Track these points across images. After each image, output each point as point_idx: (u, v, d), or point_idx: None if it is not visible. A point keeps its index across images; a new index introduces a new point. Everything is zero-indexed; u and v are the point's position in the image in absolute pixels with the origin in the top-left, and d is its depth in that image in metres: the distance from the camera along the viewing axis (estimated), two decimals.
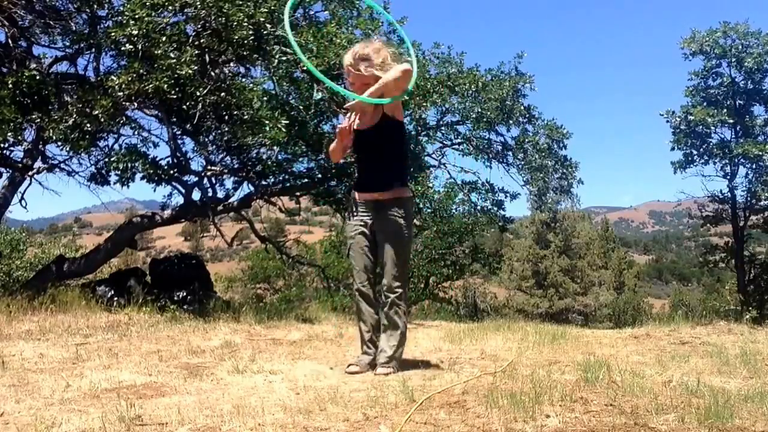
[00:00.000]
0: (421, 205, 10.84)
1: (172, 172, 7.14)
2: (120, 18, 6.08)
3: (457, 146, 9.75)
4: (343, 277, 18.92)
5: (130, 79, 5.93)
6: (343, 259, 19.01)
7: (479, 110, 8.49)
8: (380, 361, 3.27)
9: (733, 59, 9.28)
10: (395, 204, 3.26)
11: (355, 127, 3.29)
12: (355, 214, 3.35)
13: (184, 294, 7.68)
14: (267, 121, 6.05)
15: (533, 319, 18.44)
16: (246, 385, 2.96)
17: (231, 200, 8.28)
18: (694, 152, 9.76)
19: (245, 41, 6.04)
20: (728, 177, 9.71)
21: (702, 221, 10.50)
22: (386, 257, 3.24)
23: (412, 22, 9.07)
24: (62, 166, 7.36)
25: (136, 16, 5.80)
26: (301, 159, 8.25)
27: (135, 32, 5.84)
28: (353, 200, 3.37)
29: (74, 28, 7.03)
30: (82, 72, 7.56)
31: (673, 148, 9.88)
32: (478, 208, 10.91)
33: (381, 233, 3.27)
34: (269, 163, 7.64)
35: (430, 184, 10.89)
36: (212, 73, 6.25)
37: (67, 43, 7.39)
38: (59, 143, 6.38)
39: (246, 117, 6.18)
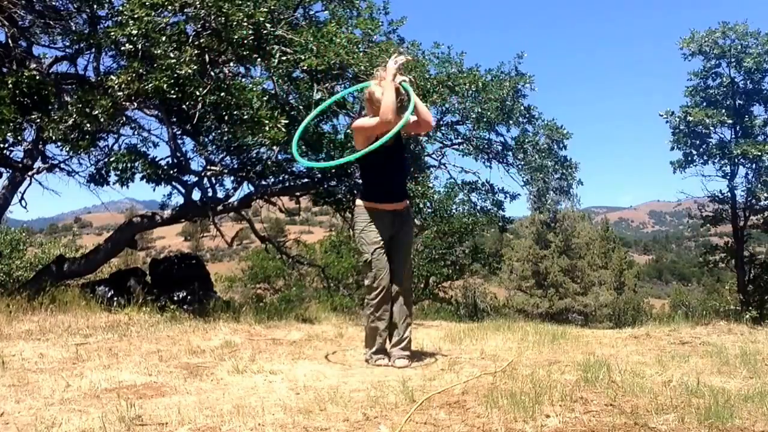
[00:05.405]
0: (421, 205, 10.83)
1: (172, 172, 7.14)
2: (120, 18, 6.08)
3: (457, 146, 9.73)
4: (343, 277, 18.92)
5: (129, 78, 5.92)
6: (343, 258, 19.01)
7: (479, 110, 8.47)
8: (405, 353, 3.59)
9: (733, 59, 9.26)
10: (410, 212, 3.79)
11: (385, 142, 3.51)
12: (376, 223, 3.60)
13: (184, 294, 7.67)
14: (267, 121, 6.03)
15: (533, 319, 18.43)
16: (246, 385, 2.96)
17: (231, 200, 8.27)
18: (694, 152, 9.72)
19: (245, 41, 6.03)
20: (728, 177, 9.68)
21: (702, 221, 10.46)
22: (404, 258, 3.68)
23: (412, 21, 9.08)
24: (62, 166, 7.37)
25: (136, 16, 5.79)
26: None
27: (135, 32, 5.82)
28: (375, 210, 3.61)
29: (74, 28, 7.03)
30: (82, 72, 7.58)
31: (672, 148, 9.84)
32: (478, 208, 10.88)
33: (401, 238, 3.68)
34: (269, 163, 7.63)
35: (430, 184, 10.86)
36: (212, 73, 6.24)
37: (67, 43, 7.39)
38: (59, 143, 6.37)
39: (246, 117, 6.17)
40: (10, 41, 6.73)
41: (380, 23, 7.77)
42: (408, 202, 3.82)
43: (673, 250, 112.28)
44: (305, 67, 6.43)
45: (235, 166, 8.02)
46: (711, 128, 9.40)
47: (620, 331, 5.93)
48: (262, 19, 6.05)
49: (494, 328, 5.24)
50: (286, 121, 6.20)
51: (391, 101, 3.36)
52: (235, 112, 6.29)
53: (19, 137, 6.37)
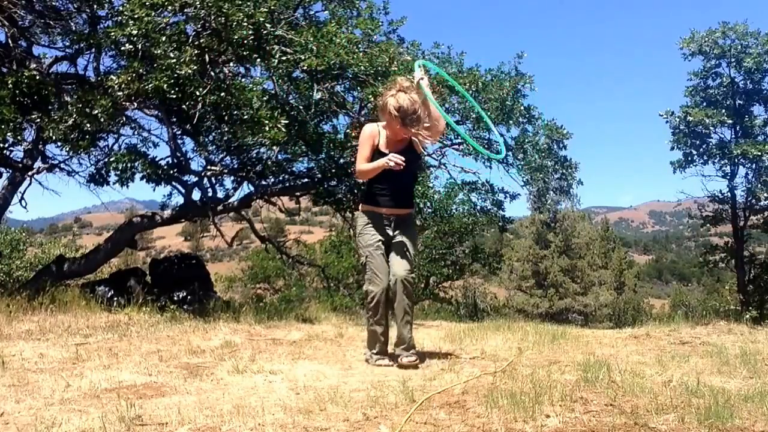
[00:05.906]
0: (421, 205, 10.83)
1: (172, 172, 7.14)
2: (120, 18, 6.08)
3: (457, 146, 9.73)
4: (343, 277, 18.94)
5: (129, 78, 5.93)
6: (343, 258, 19.03)
7: (479, 110, 8.46)
8: (409, 351, 3.55)
9: (733, 59, 9.26)
10: (413, 216, 3.84)
11: (385, 150, 3.58)
12: (373, 225, 3.64)
13: (184, 294, 7.67)
14: (267, 121, 6.03)
15: (533, 319, 18.43)
16: (246, 385, 2.96)
17: (231, 200, 8.27)
18: (694, 152, 9.73)
19: (245, 41, 6.04)
20: (728, 177, 9.68)
21: (702, 221, 10.47)
22: (407, 255, 3.66)
23: (412, 21, 9.08)
24: (62, 166, 7.38)
25: (136, 16, 5.79)
26: (301, 159, 8.24)
27: (134, 32, 5.83)
28: (373, 213, 3.66)
29: (74, 28, 7.03)
30: (82, 72, 7.58)
31: (672, 148, 9.84)
32: (478, 208, 10.88)
33: (404, 239, 3.67)
34: (269, 163, 7.63)
35: (430, 184, 10.87)
36: (212, 73, 6.24)
37: (67, 43, 7.39)
38: (59, 143, 6.37)
39: (246, 117, 6.17)
40: (10, 41, 6.73)
41: (380, 23, 7.77)
42: (413, 209, 3.83)
43: (673, 250, 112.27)
44: (305, 67, 6.43)
45: (235, 166, 8.02)
46: (711, 128, 9.40)
47: (620, 331, 5.93)
48: (262, 19, 6.05)
49: (494, 328, 5.24)
50: (286, 121, 6.20)
51: (373, 172, 3.52)
52: (235, 112, 6.29)
53: (19, 137, 6.37)
